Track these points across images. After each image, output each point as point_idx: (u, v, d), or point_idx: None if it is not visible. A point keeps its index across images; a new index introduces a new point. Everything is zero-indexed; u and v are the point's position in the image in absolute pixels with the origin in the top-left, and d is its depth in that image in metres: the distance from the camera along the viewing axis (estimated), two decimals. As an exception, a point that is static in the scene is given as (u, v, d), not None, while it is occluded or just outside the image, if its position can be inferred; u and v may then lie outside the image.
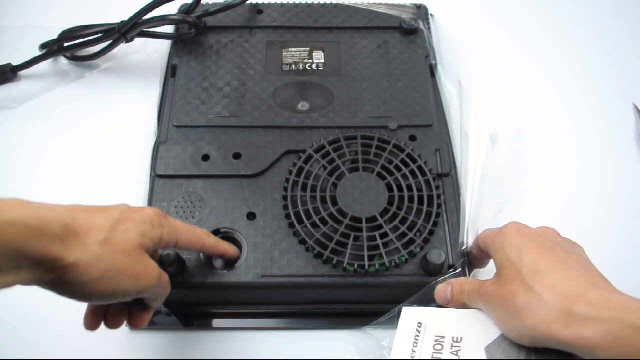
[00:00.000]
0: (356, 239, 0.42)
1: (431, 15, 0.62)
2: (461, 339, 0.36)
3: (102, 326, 0.37)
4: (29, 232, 0.28)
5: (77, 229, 0.31)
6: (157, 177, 0.47)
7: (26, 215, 0.28)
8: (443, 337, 0.37)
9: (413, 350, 0.36)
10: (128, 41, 0.56)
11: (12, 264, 0.28)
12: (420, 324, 0.38)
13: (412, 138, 0.49)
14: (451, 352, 0.36)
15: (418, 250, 0.43)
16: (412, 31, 0.57)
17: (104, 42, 0.56)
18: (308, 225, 0.43)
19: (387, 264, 0.42)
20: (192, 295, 0.43)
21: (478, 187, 0.47)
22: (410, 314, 0.38)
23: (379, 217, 0.43)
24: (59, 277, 0.30)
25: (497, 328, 0.36)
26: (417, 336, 0.37)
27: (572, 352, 0.31)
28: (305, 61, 0.55)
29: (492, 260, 0.42)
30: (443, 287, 0.40)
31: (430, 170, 0.46)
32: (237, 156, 0.48)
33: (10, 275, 0.28)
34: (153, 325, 0.44)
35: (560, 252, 0.34)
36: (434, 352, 0.36)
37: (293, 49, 0.56)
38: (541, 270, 0.33)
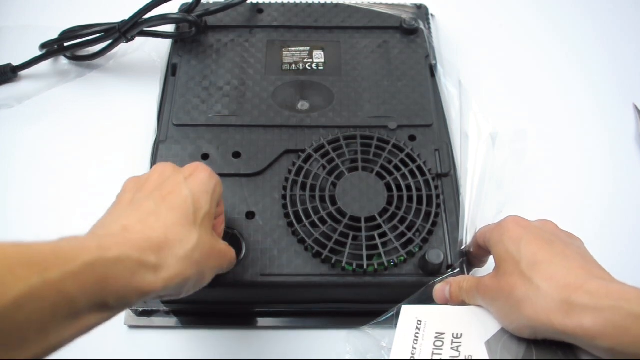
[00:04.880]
0: (355, 238, 0.42)
1: (431, 15, 0.62)
2: (461, 334, 0.36)
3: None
4: (133, 268, 0.29)
5: (167, 246, 0.31)
6: (157, 176, 0.47)
7: (128, 250, 0.29)
8: (443, 334, 0.37)
9: (413, 348, 0.36)
10: (128, 40, 0.56)
11: (119, 300, 0.28)
12: (420, 321, 0.38)
13: (412, 138, 0.49)
14: (451, 348, 0.36)
15: (417, 250, 0.43)
16: (412, 31, 0.57)
17: (104, 41, 0.56)
18: (307, 224, 0.43)
19: (386, 264, 0.42)
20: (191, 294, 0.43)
21: (478, 187, 0.47)
22: (409, 312, 0.38)
23: (377, 216, 0.43)
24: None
25: (496, 323, 0.36)
26: (417, 333, 0.37)
27: (572, 342, 0.31)
28: (305, 60, 0.55)
29: (490, 259, 0.42)
30: (441, 287, 0.40)
31: (429, 170, 0.46)
32: (236, 155, 0.48)
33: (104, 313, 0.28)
34: (153, 325, 0.44)
35: (559, 244, 0.34)
36: (434, 349, 0.36)
37: (293, 49, 0.56)
38: (540, 261, 0.33)
